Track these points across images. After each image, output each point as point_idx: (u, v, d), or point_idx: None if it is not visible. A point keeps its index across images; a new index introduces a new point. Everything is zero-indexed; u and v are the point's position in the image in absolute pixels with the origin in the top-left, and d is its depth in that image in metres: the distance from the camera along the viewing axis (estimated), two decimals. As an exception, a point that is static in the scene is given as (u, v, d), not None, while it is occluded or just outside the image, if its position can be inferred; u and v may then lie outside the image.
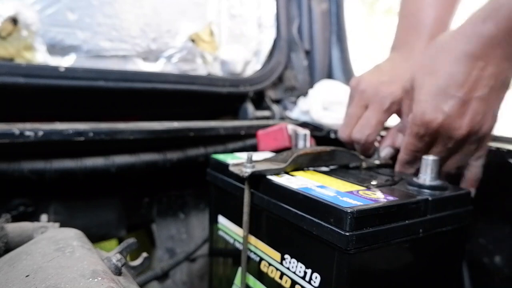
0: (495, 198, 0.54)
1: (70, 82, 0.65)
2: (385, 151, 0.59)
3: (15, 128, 0.55)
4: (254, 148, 0.76)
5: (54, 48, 0.70)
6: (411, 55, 0.60)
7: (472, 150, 0.49)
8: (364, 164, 0.55)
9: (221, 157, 0.57)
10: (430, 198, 0.41)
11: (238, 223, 0.51)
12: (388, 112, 0.58)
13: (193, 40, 0.85)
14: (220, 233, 0.57)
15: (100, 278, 0.30)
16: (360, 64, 1.00)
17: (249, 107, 0.88)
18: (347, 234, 0.35)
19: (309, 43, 1.01)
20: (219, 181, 0.55)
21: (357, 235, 0.35)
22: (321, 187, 0.42)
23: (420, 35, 0.61)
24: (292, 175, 0.47)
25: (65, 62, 0.71)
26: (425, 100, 0.47)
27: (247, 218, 0.46)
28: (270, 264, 0.45)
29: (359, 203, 0.37)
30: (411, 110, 0.49)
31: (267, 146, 0.73)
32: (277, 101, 0.96)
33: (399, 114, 0.59)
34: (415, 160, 0.52)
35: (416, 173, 0.49)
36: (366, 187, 0.44)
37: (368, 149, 0.60)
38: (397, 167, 0.54)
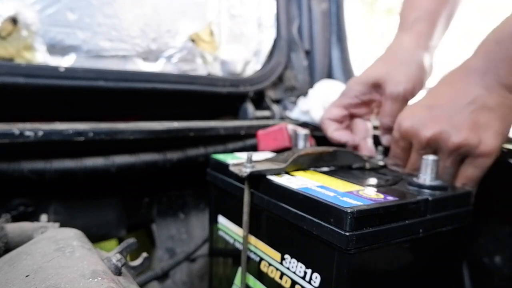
0: (495, 198, 0.54)
1: (70, 82, 0.65)
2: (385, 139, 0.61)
3: (15, 128, 0.54)
4: (254, 148, 0.76)
5: (54, 48, 0.70)
6: (389, 48, 0.65)
7: (448, 167, 0.50)
8: (367, 165, 0.55)
9: (221, 157, 0.57)
10: (430, 198, 0.41)
11: (238, 223, 0.51)
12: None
13: (193, 40, 0.85)
14: (220, 233, 0.57)
15: (100, 278, 0.30)
16: (360, 64, 1.00)
17: (249, 107, 0.88)
18: (347, 234, 0.35)
19: (309, 43, 1.01)
20: (219, 181, 0.55)
21: (357, 235, 0.35)
22: (321, 187, 0.42)
23: (401, 28, 0.65)
24: (292, 175, 0.47)
25: (65, 62, 0.71)
26: (406, 109, 0.54)
27: (247, 218, 0.46)
28: (270, 264, 0.45)
29: (359, 203, 0.37)
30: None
31: (267, 146, 0.73)
32: (277, 101, 0.96)
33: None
34: (398, 166, 0.56)
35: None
36: (366, 187, 0.44)
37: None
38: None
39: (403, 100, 0.59)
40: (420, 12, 0.63)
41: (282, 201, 0.43)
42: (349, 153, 0.54)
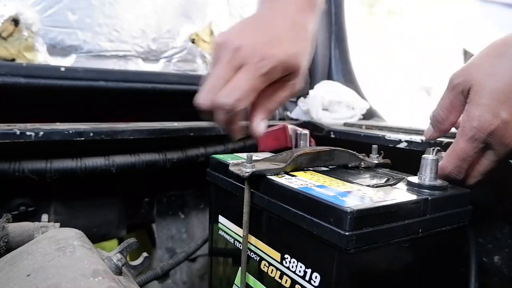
0: (495, 198, 0.54)
1: (71, 82, 0.65)
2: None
3: (16, 128, 0.55)
4: (254, 148, 0.76)
5: (55, 49, 0.70)
6: (278, 9, 0.52)
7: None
8: (363, 164, 0.55)
9: (221, 157, 0.57)
10: (429, 198, 0.41)
11: (238, 223, 0.51)
12: (265, 78, 0.48)
13: (193, 40, 0.85)
14: (220, 233, 0.57)
15: (100, 278, 0.30)
16: (360, 64, 1.00)
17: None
18: (347, 234, 0.35)
19: (309, 43, 1.01)
20: (219, 181, 0.55)
21: (357, 235, 0.35)
22: (321, 187, 0.42)
23: None
24: (292, 175, 0.48)
25: (66, 62, 0.72)
26: (484, 103, 0.44)
27: (247, 218, 0.46)
28: (270, 264, 0.45)
29: (359, 203, 0.37)
30: (467, 113, 0.45)
31: (267, 146, 0.73)
32: (277, 101, 0.96)
33: None
34: (460, 170, 0.47)
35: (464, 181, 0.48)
36: (366, 187, 0.44)
37: (234, 121, 0.51)
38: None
39: None
40: None
41: (282, 201, 0.43)
42: (345, 152, 0.54)
